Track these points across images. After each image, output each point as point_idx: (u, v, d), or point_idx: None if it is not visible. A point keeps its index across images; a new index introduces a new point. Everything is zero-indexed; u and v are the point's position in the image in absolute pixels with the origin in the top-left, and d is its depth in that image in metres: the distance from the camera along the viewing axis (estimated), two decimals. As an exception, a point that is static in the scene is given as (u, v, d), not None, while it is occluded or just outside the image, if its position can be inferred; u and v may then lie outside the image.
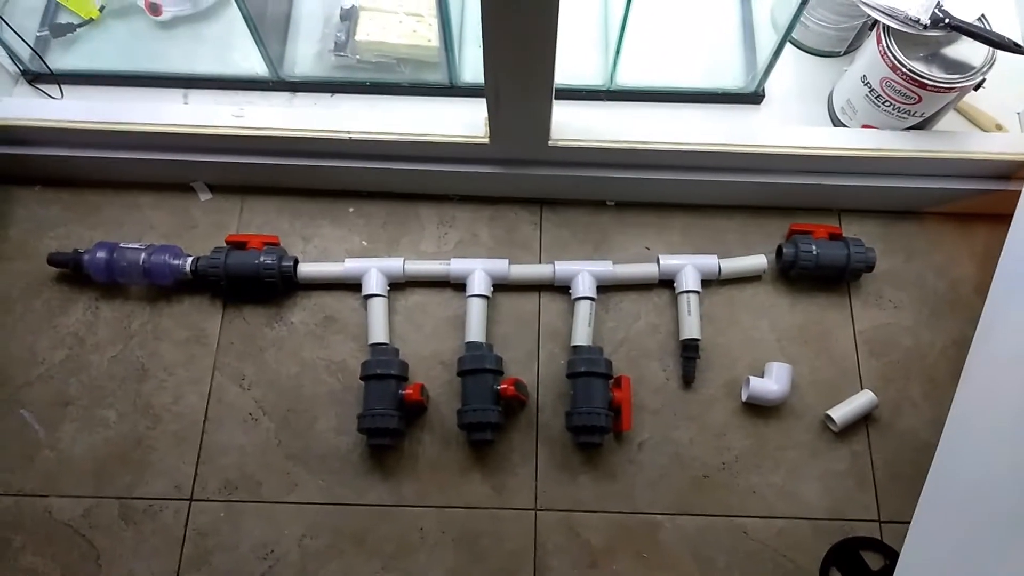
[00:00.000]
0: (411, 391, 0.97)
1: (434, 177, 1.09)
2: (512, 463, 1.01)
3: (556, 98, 0.94)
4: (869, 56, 1.01)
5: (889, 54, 0.97)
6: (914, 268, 1.12)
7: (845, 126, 1.10)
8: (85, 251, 1.04)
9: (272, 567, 0.96)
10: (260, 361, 1.05)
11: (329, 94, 1.14)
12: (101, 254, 1.03)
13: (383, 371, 0.98)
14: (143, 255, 1.03)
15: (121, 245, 1.04)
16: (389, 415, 0.96)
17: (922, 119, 1.03)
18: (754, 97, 1.14)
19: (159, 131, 1.04)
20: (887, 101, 1.02)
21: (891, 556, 0.97)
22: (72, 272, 1.06)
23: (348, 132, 1.03)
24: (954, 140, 1.05)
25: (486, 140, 1.03)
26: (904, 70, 0.96)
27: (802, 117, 1.14)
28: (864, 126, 1.07)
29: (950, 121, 1.09)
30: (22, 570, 0.95)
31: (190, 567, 0.95)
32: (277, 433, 1.01)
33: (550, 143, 1.02)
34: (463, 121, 1.04)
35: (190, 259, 1.04)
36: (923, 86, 0.96)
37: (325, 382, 1.04)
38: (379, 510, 0.98)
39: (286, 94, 1.14)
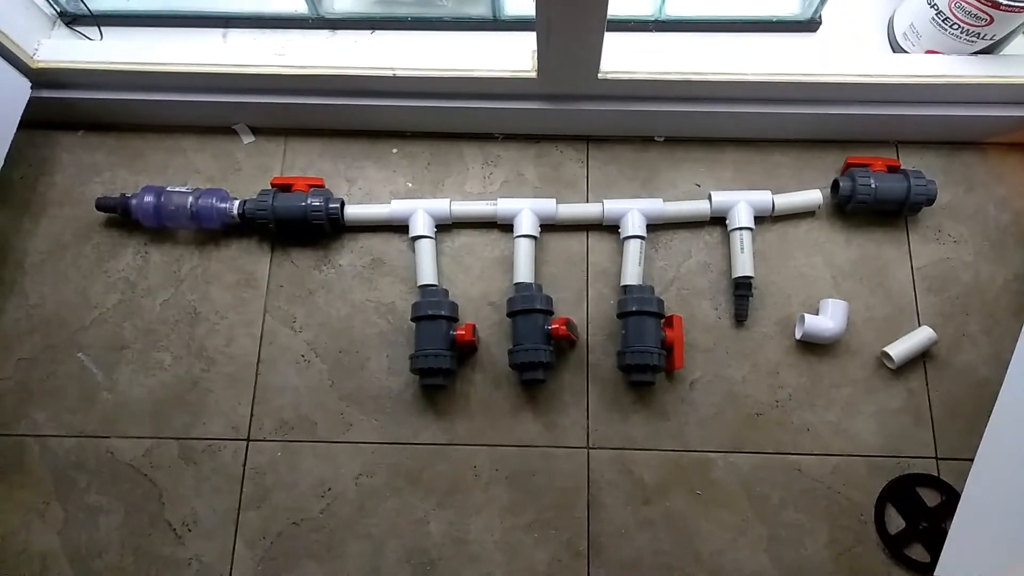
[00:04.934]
0: (463, 331, 0.97)
1: (478, 115, 1.07)
2: (563, 402, 1.01)
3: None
4: (938, -24, 0.96)
5: (960, -28, 0.92)
6: (975, 201, 1.08)
7: (906, 52, 1.05)
8: (132, 195, 1.04)
9: (330, 505, 0.97)
10: (310, 303, 1.05)
11: (369, 31, 1.11)
12: (149, 198, 1.03)
13: (434, 312, 0.97)
14: (190, 199, 1.03)
15: (168, 189, 1.04)
16: (442, 355, 0.96)
17: (991, 43, 0.98)
18: (810, 24, 1.09)
19: (200, 71, 1.02)
20: (955, 24, 0.97)
21: (948, 492, 0.96)
22: (120, 217, 1.06)
23: (392, 69, 1.00)
24: (1024, 65, 1.00)
25: (533, 74, 1.00)
26: (976, -11, 0.91)
27: (860, 45, 1.09)
28: (928, 52, 1.02)
29: (1018, 46, 1.03)
30: (88, 508, 0.97)
31: (250, 504, 0.97)
32: (330, 374, 1.02)
33: (599, 76, 0.99)
34: (508, 56, 1.01)
35: (237, 202, 1.04)
36: (996, 6, 0.91)
37: (375, 324, 1.04)
38: (433, 449, 0.99)
39: (325, 31, 1.11)
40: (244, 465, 0.99)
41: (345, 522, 0.97)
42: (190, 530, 0.97)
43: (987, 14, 0.93)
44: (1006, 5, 0.91)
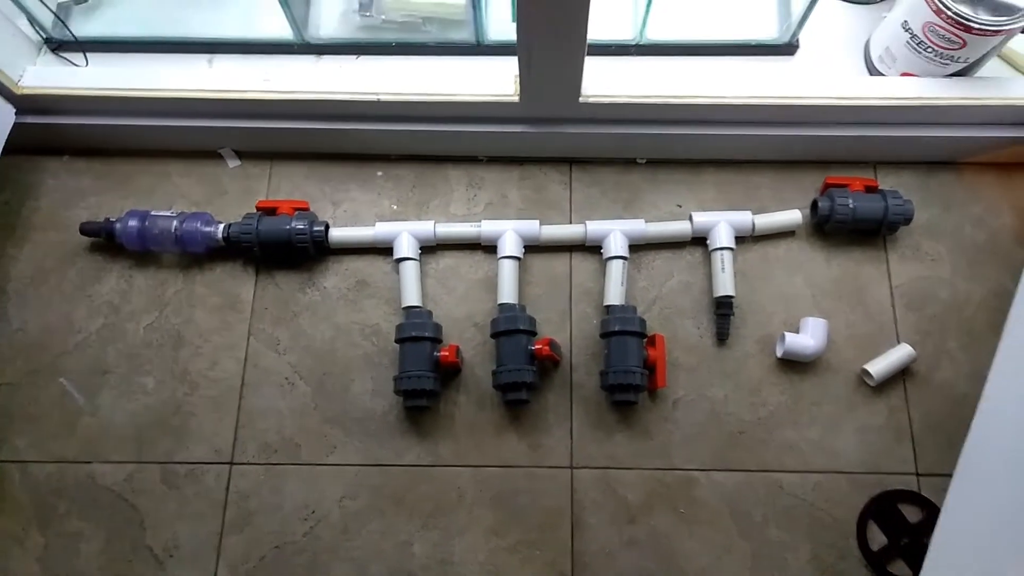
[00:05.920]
0: (447, 352, 0.97)
1: (463, 138, 1.08)
2: (547, 422, 1.01)
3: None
4: (911, 0, 0.98)
5: (932, -3, 0.94)
6: (952, 219, 1.10)
7: (882, 75, 1.07)
8: (117, 220, 1.04)
9: (313, 528, 0.97)
10: (294, 326, 1.05)
11: (354, 56, 1.12)
12: (133, 222, 1.03)
13: (418, 333, 0.98)
14: (175, 223, 1.03)
15: (152, 213, 1.04)
16: (426, 376, 0.96)
17: (965, 65, 1.00)
18: (788, 48, 1.11)
19: (186, 97, 1.03)
20: (929, 47, 0.99)
21: (929, 509, 0.96)
22: (104, 241, 1.06)
23: (377, 94, 1.02)
24: (998, 87, 1.02)
25: (516, 98, 1.01)
26: (949, 13, 0.93)
27: (837, 68, 1.11)
28: (903, 74, 1.04)
29: (992, 68, 1.06)
30: (68, 535, 0.97)
31: (233, 529, 0.97)
32: (314, 397, 1.02)
33: (581, 100, 1.00)
34: (492, 80, 1.02)
35: (222, 226, 1.04)
36: (968, 30, 0.93)
37: (359, 346, 1.04)
38: (417, 470, 0.99)
39: (311, 57, 1.12)
40: (227, 489, 0.98)
41: (328, 545, 0.96)
42: (172, 556, 0.96)
43: (960, 38, 0.95)
44: (978, 29, 0.93)
